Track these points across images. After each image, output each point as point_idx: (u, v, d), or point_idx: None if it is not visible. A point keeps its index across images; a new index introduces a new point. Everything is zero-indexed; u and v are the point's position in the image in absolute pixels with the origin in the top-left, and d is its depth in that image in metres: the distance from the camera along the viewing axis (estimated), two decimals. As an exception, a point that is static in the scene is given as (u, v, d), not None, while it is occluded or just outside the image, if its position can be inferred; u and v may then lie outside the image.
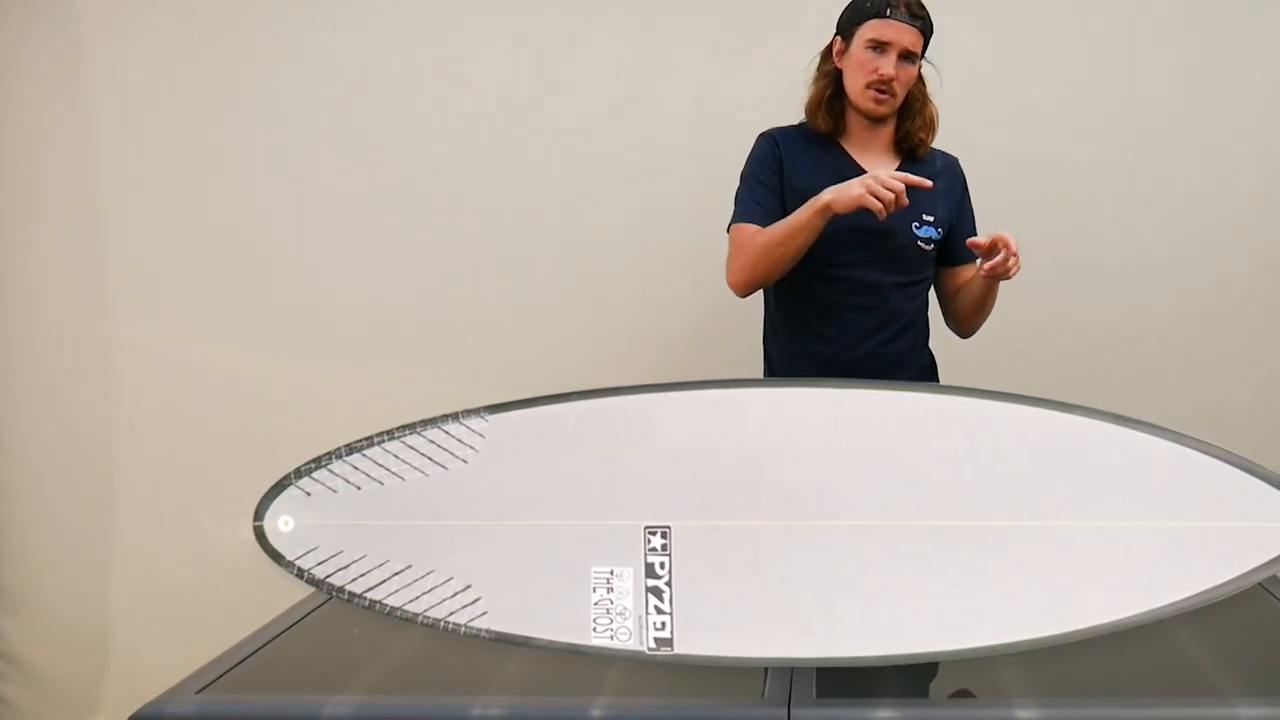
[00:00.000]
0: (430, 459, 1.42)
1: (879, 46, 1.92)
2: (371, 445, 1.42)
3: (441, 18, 2.60)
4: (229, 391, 2.66)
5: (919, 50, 1.95)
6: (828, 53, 2.03)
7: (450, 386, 2.58)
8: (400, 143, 2.63)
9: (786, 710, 1.32)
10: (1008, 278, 1.86)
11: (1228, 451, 1.31)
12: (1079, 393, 1.49)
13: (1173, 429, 1.32)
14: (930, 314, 2.11)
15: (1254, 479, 1.30)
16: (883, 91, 1.93)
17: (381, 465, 1.42)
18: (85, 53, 2.65)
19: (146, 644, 2.68)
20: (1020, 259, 1.82)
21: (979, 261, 1.87)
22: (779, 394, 1.40)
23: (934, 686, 1.40)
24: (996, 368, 2.39)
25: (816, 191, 1.85)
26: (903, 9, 1.90)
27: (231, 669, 1.52)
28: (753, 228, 1.96)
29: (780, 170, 2.00)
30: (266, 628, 1.68)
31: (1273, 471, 1.31)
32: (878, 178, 1.77)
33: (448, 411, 1.43)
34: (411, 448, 1.42)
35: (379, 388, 2.62)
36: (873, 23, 1.91)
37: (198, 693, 1.43)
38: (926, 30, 1.95)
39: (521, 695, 1.41)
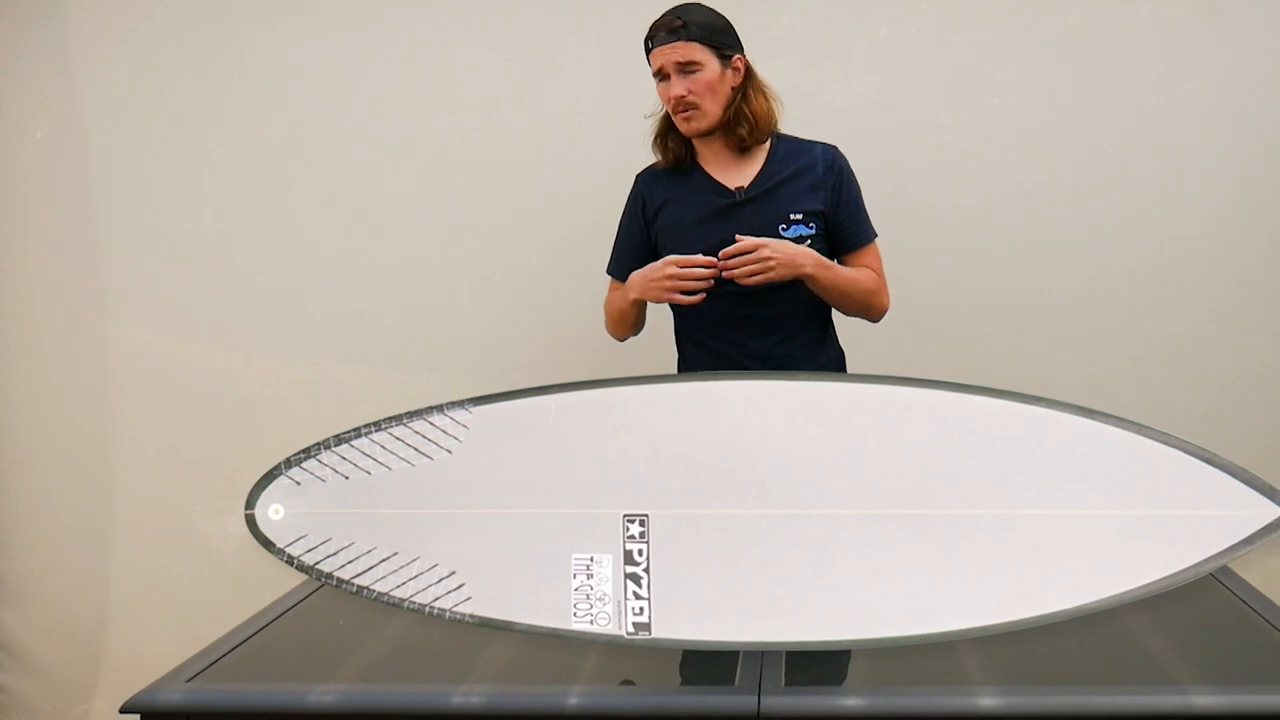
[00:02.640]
0: (416, 449, 1.45)
1: (660, 74, 1.98)
2: (359, 436, 1.45)
3: (426, 26, 2.62)
4: (222, 389, 2.69)
5: (695, 58, 1.94)
6: None
7: (436, 385, 2.62)
8: (387, 149, 2.65)
9: (756, 697, 1.35)
10: (740, 284, 1.89)
11: (1186, 441, 1.34)
12: (1043, 386, 1.52)
13: (1133, 420, 1.34)
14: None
15: (1212, 468, 1.32)
16: (684, 111, 1.97)
17: (369, 455, 1.45)
18: (80, 59, 2.68)
19: (142, 633, 2.71)
20: (760, 267, 1.86)
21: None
22: (753, 386, 1.42)
23: (899, 675, 1.42)
24: (964, 362, 2.45)
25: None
26: (661, 32, 1.95)
27: (221, 658, 1.55)
28: (614, 284, 2.13)
29: (644, 214, 2.08)
30: (255, 618, 1.71)
31: (1230, 461, 1.33)
32: (675, 273, 1.89)
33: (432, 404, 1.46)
34: (398, 438, 1.44)
35: (368, 386, 2.66)
36: (650, 57, 1.99)
37: (188, 681, 1.47)
38: (693, 35, 1.93)
39: (501, 683, 1.44)
